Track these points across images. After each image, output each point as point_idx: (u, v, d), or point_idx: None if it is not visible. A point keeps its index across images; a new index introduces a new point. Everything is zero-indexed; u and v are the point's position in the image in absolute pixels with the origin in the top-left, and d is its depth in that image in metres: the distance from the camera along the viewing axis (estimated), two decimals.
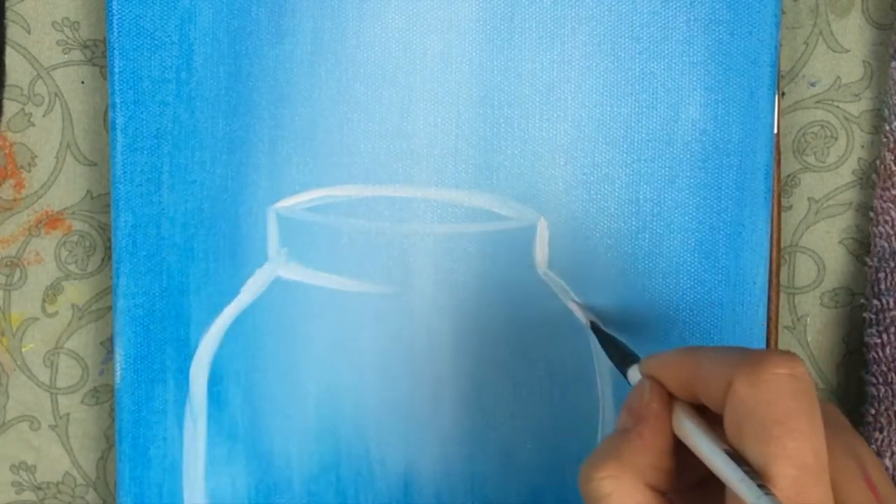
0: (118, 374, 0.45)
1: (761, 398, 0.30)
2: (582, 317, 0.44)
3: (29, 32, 0.46)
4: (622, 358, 0.39)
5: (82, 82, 0.46)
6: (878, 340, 0.46)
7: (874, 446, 0.46)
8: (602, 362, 0.45)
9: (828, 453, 0.30)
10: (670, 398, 0.34)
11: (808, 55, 0.47)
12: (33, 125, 0.46)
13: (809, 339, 0.48)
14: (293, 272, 0.45)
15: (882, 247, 0.46)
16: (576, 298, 0.44)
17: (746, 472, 0.30)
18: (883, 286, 0.46)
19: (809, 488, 0.29)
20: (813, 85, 0.47)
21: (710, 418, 0.32)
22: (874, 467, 0.33)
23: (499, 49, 0.44)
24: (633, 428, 0.33)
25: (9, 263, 0.47)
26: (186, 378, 0.45)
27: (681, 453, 0.33)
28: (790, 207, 0.48)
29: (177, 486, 0.45)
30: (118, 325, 0.44)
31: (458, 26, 0.44)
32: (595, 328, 0.43)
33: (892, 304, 0.45)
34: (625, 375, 0.38)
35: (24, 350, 0.47)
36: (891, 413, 0.45)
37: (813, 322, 0.48)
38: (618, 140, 0.45)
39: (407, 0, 0.44)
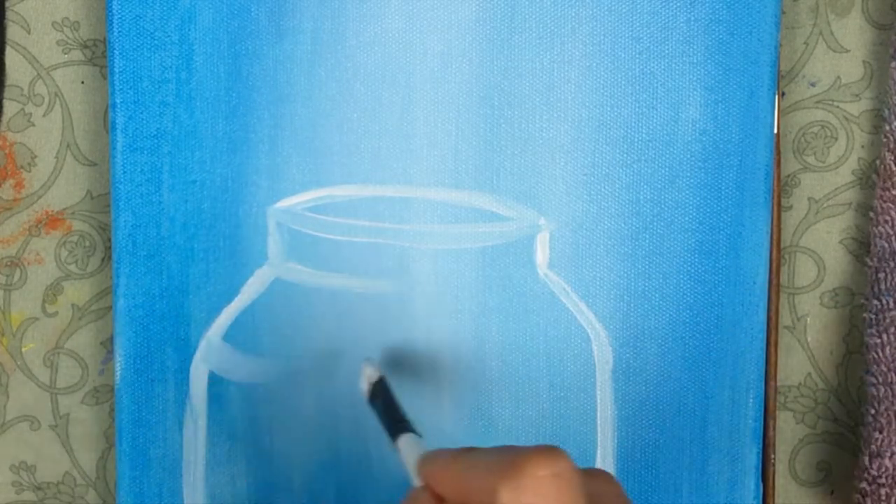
0: (118, 374, 0.45)
1: None
2: (367, 377, 0.43)
3: (29, 32, 0.46)
4: (393, 423, 0.39)
5: (82, 82, 0.46)
6: (878, 340, 0.46)
7: (874, 446, 0.46)
8: (602, 362, 0.45)
9: None
10: None
11: (808, 55, 0.47)
12: (33, 125, 0.46)
13: (809, 339, 0.48)
14: (293, 272, 0.45)
15: (882, 247, 0.46)
16: (370, 358, 0.43)
17: None
18: (883, 286, 0.46)
19: None
20: (813, 85, 0.47)
21: None
22: None
23: (499, 49, 0.44)
24: None
25: (9, 263, 0.47)
26: (186, 378, 0.45)
27: None
28: (790, 207, 0.48)
29: (177, 486, 0.45)
30: (118, 325, 0.44)
31: (458, 26, 0.44)
32: (378, 387, 0.42)
33: (892, 304, 0.45)
34: (393, 440, 0.38)
35: (24, 350, 0.47)
36: (891, 413, 0.45)
37: (813, 322, 0.48)
38: (618, 140, 0.45)
39: (407, 0, 0.44)
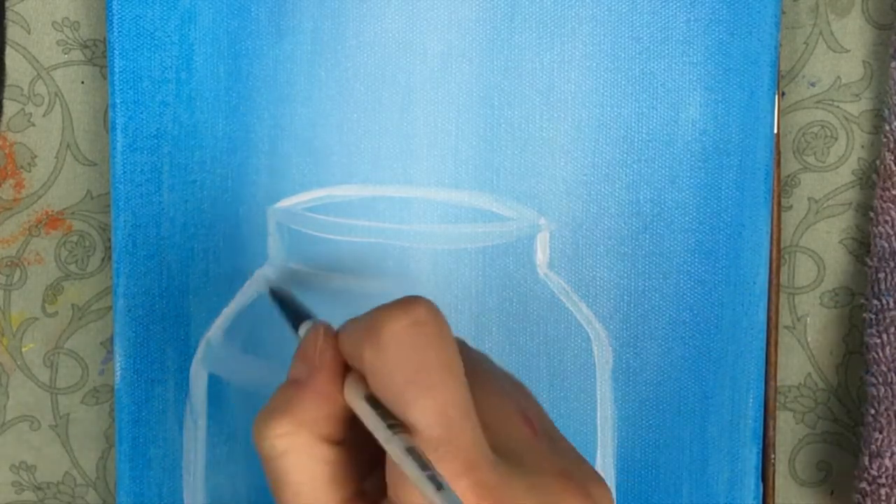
0: (118, 374, 0.45)
1: (388, 362, 0.29)
2: (265, 283, 0.41)
3: (29, 32, 0.46)
4: (296, 315, 0.37)
5: (82, 82, 0.46)
6: (878, 340, 0.46)
7: (874, 446, 0.46)
8: (602, 362, 0.45)
9: (479, 398, 0.30)
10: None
11: (808, 55, 0.47)
12: (33, 125, 0.46)
13: (809, 339, 0.48)
14: (293, 273, 0.45)
15: (882, 247, 0.46)
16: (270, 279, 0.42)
17: (389, 426, 0.29)
18: (883, 286, 0.46)
19: (455, 435, 0.29)
20: (813, 85, 0.47)
21: None
22: (533, 407, 0.33)
23: (499, 49, 0.44)
24: (307, 379, 0.32)
25: (9, 263, 0.47)
26: (186, 378, 0.45)
27: None
28: (790, 207, 0.48)
29: (177, 486, 0.45)
30: (118, 325, 0.44)
31: (458, 26, 0.44)
32: (273, 292, 0.40)
33: (892, 304, 0.45)
34: (296, 332, 0.36)
35: (24, 350, 0.47)
36: (891, 413, 0.45)
37: (813, 322, 0.48)
38: (618, 140, 0.45)
39: (407, 0, 0.44)
